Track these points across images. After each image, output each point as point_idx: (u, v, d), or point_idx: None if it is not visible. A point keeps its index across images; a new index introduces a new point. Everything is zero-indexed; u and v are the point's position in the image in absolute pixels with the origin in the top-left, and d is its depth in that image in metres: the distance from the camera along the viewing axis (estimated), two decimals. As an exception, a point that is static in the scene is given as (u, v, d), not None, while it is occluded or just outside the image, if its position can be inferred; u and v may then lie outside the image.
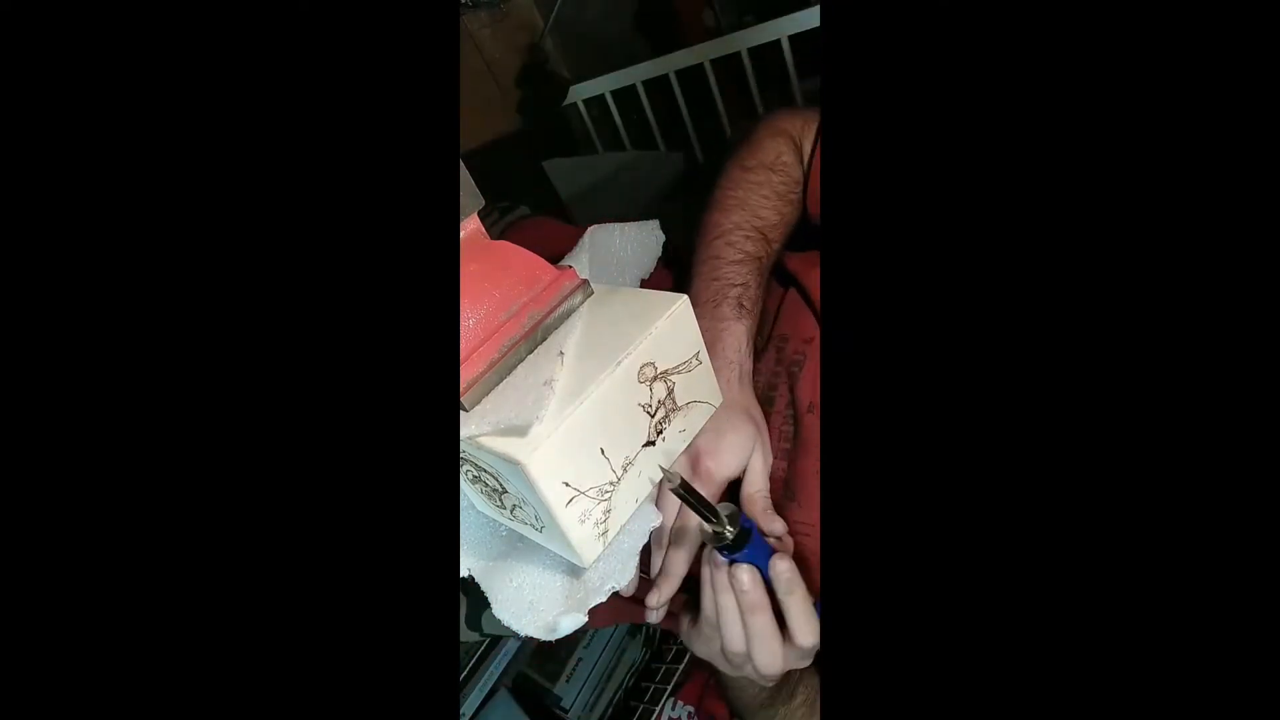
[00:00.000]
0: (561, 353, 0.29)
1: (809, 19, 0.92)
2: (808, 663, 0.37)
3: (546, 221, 0.66)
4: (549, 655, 0.92)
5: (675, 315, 0.31)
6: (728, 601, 0.35)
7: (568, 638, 1.01)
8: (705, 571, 0.36)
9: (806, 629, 0.34)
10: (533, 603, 0.34)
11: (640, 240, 0.42)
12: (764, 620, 0.34)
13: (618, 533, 0.32)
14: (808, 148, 0.49)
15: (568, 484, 0.28)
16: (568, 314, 0.32)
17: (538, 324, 0.31)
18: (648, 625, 0.81)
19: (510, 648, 0.88)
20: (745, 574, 0.34)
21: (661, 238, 0.44)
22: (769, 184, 0.47)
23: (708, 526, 0.33)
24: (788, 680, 0.45)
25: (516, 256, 0.31)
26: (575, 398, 0.27)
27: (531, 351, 0.31)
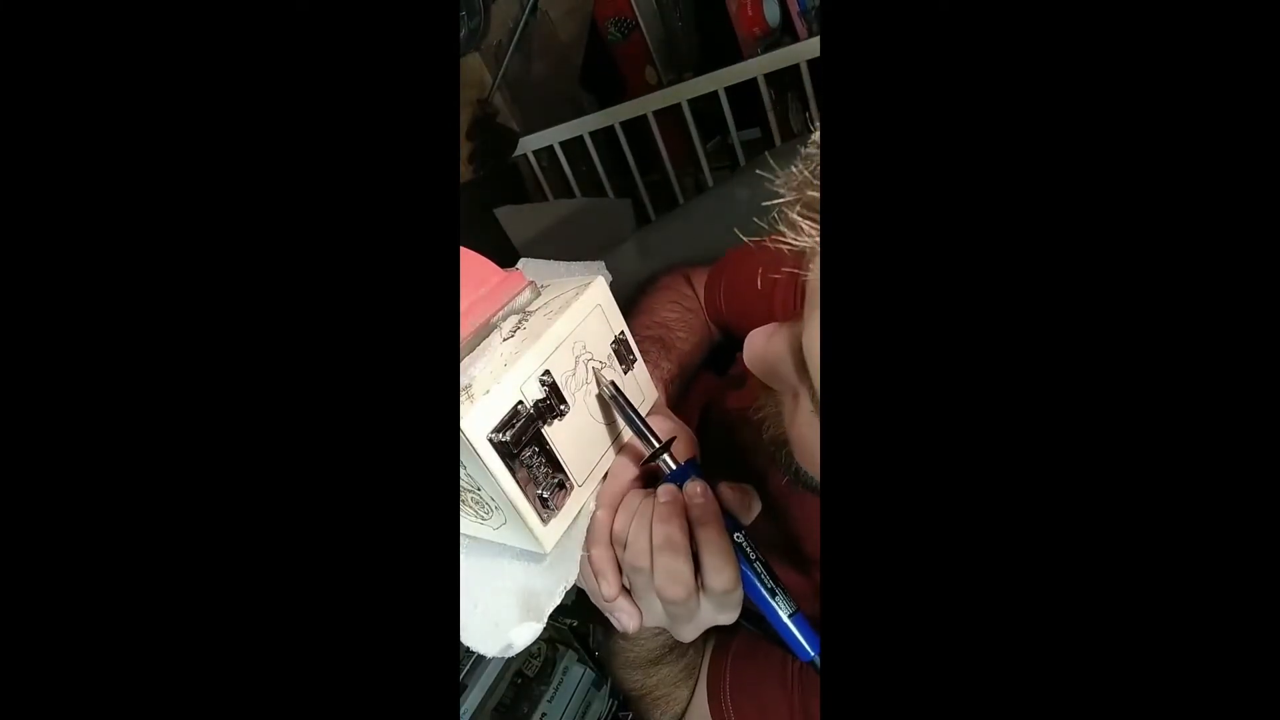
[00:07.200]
0: (505, 339, 0.31)
1: (742, 73, 0.99)
2: (727, 614, 0.32)
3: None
4: (510, 710, 0.87)
5: (594, 288, 0.33)
6: (639, 517, 0.31)
7: (529, 691, 0.96)
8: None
9: (719, 567, 0.29)
10: (495, 621, 0.32)
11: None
12: (671, 530, 0.30)
13: (572, 522, 0.32)
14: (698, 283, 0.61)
15: (506, 444, 0.28)
16: (513, 313, 0.33)
17: (486, 322, 0.32)
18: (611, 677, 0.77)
19: (470, 705, 0.84)
20: (663, 489, 0.31)
21: (608, 278, 0.44)
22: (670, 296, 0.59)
23: (642, 447, 0.32)
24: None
25: (465, 258, 0.32)
26: (508, 366, 0.28)
27: (477, 346, 0.31)
